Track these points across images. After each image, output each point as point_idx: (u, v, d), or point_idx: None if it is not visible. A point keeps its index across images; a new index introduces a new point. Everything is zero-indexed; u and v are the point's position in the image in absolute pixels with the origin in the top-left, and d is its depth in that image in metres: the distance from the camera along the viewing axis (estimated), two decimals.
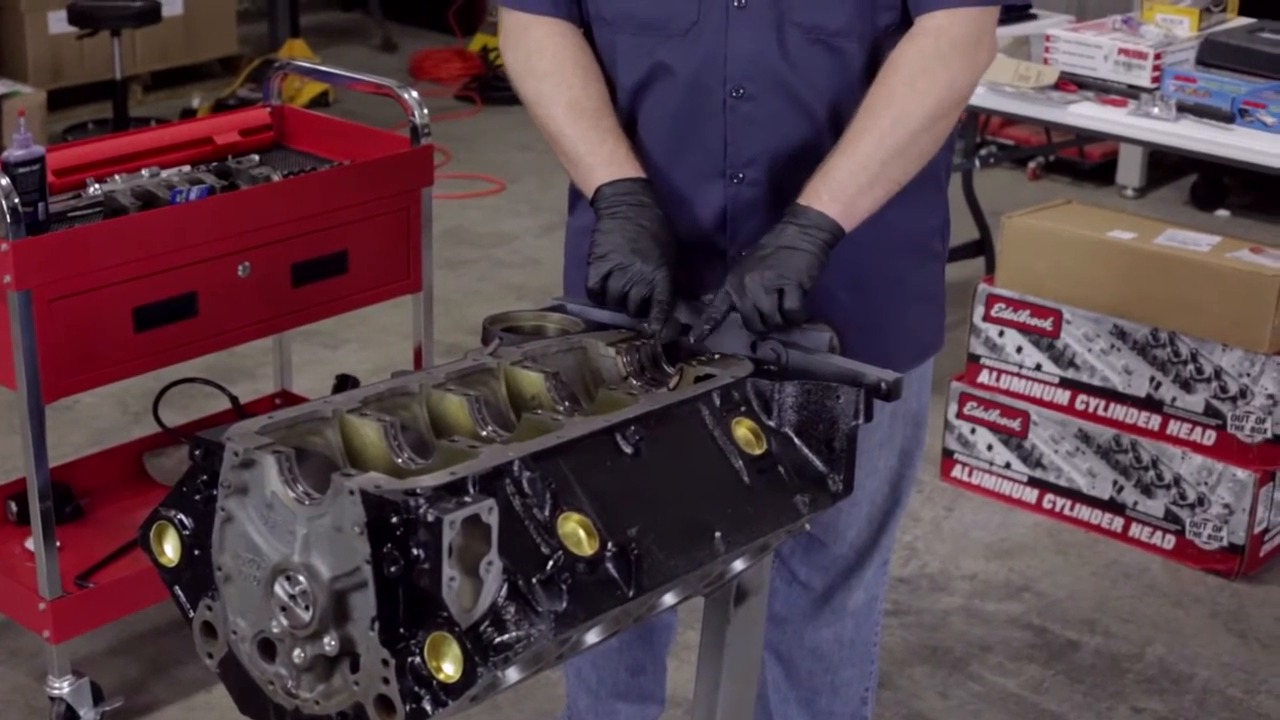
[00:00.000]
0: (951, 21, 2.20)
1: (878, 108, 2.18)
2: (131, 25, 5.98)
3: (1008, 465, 4.00)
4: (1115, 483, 3.83)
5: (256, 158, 3.28)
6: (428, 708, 1.55)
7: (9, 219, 2.66)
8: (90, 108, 6.93)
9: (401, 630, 1.54)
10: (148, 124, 5.67)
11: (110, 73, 6.00)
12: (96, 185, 3.01)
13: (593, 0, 2.30)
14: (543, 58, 2.32)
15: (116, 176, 3.07)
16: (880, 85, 2.19)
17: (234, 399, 3.61)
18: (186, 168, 3.17)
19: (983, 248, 5.11)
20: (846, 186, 2.16)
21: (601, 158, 2.25)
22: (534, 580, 1.59)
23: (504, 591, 1.55)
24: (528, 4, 2.33)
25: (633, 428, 1.79)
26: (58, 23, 6.57)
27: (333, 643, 1.58)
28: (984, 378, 4.01)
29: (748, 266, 2.12)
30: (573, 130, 2.27)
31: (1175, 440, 3.74)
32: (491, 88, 7.15)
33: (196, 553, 1.69)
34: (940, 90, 2.19)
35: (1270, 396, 3.60)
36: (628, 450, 1.78)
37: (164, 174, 3.10)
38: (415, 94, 3.28)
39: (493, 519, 1.52)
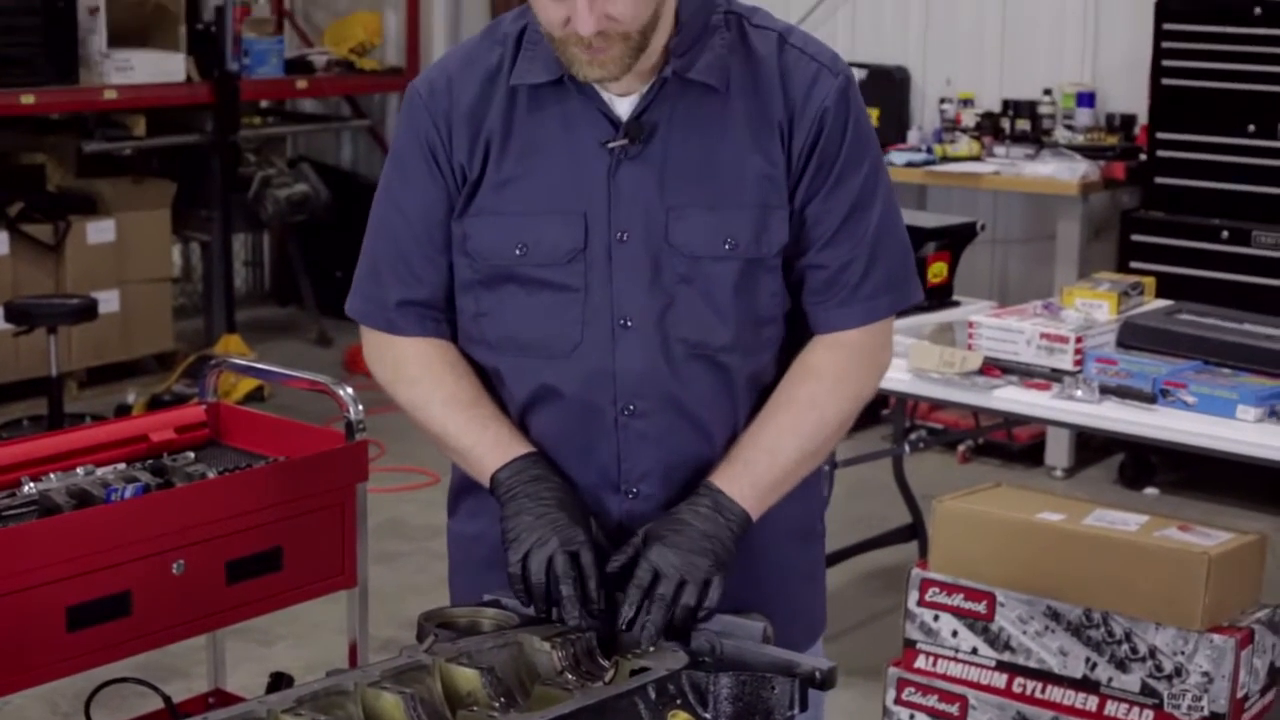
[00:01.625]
0: (860, 334, 2.30)
1: (801, 410, 2.25)
2: (68, 322, 6.03)
3: None
4: None
5: (192, 455, 3.28)
6: None
7: None
8: (25, 404, 6.93)
9: None
10: (83, 420, 5.68)
11: (46, 369, 6.02)
12: (31, 484, 3.01)
13: (474, 324, 2.33)
14: (410, 365, 2.35)
15: (51, 475, 3.07)
16: (800, 388, 2.27)
17: (167, 699, 3.55)
18: (122, 465, 3.18)
19: (915, 532, 5.15)
20: (763, 481, 2.23)
21: (487, 445, 2.28)
22: None
23: None
24: (393, 325, 2.36)
25: None
26: None
27: None
28: (921, 663, 4.01)
29: (673, 540, 2.15)
30: (454, 425, 2.30)
31: None
32: None
33: None
34: (854, 397, 2.30)
35: (1205, 674, 3.61)
36: None
37: (99, 472, 3.10)
38: (350, 390, 3.31)
39: None
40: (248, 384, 7.07)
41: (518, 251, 2.25)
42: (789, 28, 2.32)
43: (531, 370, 2.29)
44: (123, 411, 6.63)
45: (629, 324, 2.24)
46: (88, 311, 5.99)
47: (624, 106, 2.25)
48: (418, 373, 2.34)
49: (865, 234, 2.28)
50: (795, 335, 2.34)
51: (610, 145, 2.23)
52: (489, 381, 2.35)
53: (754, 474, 2.24)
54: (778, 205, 2.25)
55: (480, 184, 2.27)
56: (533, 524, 2.18)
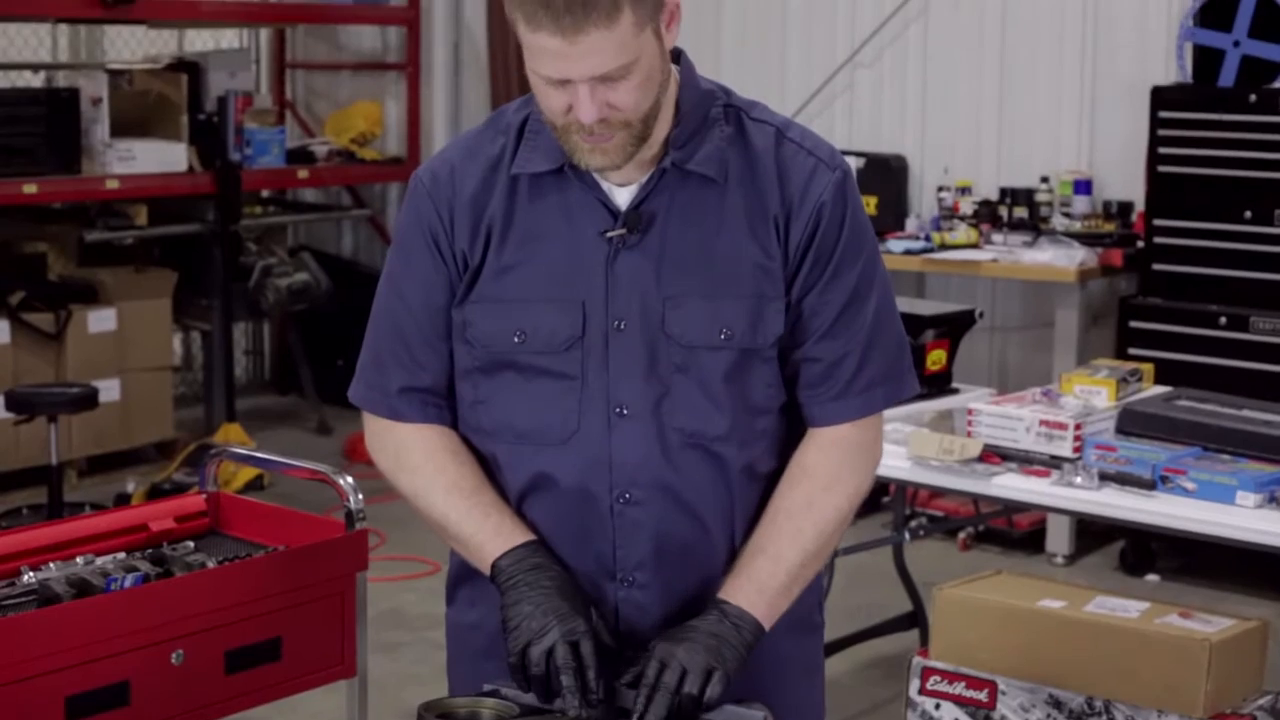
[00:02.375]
0: (854, 428, 2.33)
1: (798, 513, 2.28)
2: (69, 411, 6.03)
3: None
4: None
5: (191, 544, 3.28)
6: None
7: None
8: (25, 493, 6.93)
9: None
10: (82, 509, 5.68)
11: (46, 458, 6.02)
12: (31, 573, 3.01)
13: (471, 411, 2.34)
14: (412, 452, 2.36)
15: (51, 564, 3.07)
16: (796, 490, 2.30)
17: None
18: (122, 555, 3.17)
19: (916, 620, 5.13)
20: (769, 587, 2.25)
21: (488, 533, 2.29)
22: None
23: None
24: (396, 412, 2.38)
25: None
26: None
27: None
28: None
29: (680, 638, 2.16)
30: (455, 513, 2.31)
31: None
32: None
33: None
34: (851, 495, 2.32)
35: None
36: None
37: (99, 561, 3.10)
38: (350, 479, 3.31)
39: None
40: (247, 473, 7.06)
41: (516, 339, 2.27)
42: (787, 122, 2.35)
43: (528, 457, 2.30)
44: (122, 500, 6.62)
45: (625, 412, 2.25)
46: (88, 400, 5.99)
47: (623, 196, 2.27)
48: (420, 460, 2.35)
49: (861, 327, 2.31)
50: (792, 427, 2.36)
51: (609, 235, 2.25)
52: (487, 468, 2.36)
53: (758, 581, 2.26)
54: (773, 297, 2.27)
55: (481, 271, 2.29)
56: (533, 613, 2.19)
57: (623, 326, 2.25)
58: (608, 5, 2.08)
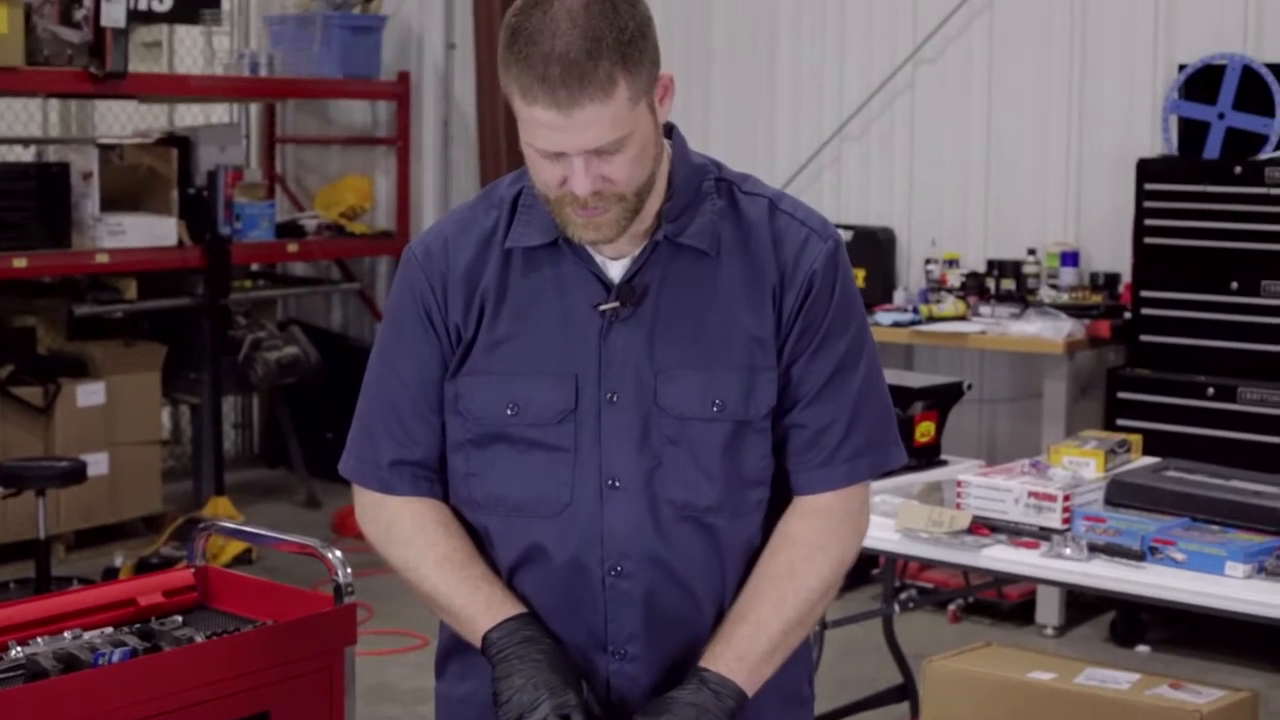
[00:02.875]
0: (839, 498, 2.32)
1: (780, 580, 2.28)
2: (57, 485, 6.03)
3: None
4: None
5: (180, 619, 3.27)
6: None
7: None
8: (12, 567, 6.90)
9: None
10: (70, 583, 5.66)
11: (34, 532, 6.01)
12: (18, 648, 2.99)
13: (463, 484, 2.35)
14: (403, 525, 2.36)
15: (39, 639, 3.06)
16: (778, 557, 2.30)
17: None
18: (109, 629, 3.16)
19: (906, 693, 5.12)
20: (751, 654, 2.24)
21: (479, 606, 2.28)
22: None
23: None
24: (386, 485, 2.38)
25: None
26: None
27: None
28: None
29: (660, 710, 2.16)
30: (446, 586, 2.31)
31: None
32: None
33: None
34: (834, 563, 2.31)
35: None
36: None
37: (86, 636, 3.09)
38: (338, 553, 3.30)
39: None
40: (236, 546, 7.04)
41: (509, 411, 2.27)
42: (779, 194, 2.37)
43: (520, 530, 2.30)
44: (110, 575, 6.60)
45: (617, 484, 2.26)
46: (77, 474, 5.99)
47: (616, 269, 2.29)
48: (410, 533, 2.35)
49: (848, 396, 2.32)
50: (784, 499, 2.36)
51: (602, 308, 2.26)
52: (478, 541, 2.36)
53: (739, 648, 2.25)
54: (766, 368, 2.28)
55: (474, 344, 2.30)
56: (524, 685, 2.18)
57: (615, 399, 2.26)
58: (603, 79, 2.11)
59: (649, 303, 2.27)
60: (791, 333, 2.30)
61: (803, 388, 2.30)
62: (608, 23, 2.12)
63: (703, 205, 2.31)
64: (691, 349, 2.27)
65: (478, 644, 2.27)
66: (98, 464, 7.10)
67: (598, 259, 2.29)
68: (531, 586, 2.31)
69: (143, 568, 6.65)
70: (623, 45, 2.12)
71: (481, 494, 2.32)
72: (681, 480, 2.27)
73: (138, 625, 3.22)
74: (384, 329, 2.41)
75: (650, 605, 2.28)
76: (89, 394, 7.34)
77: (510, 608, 2.28)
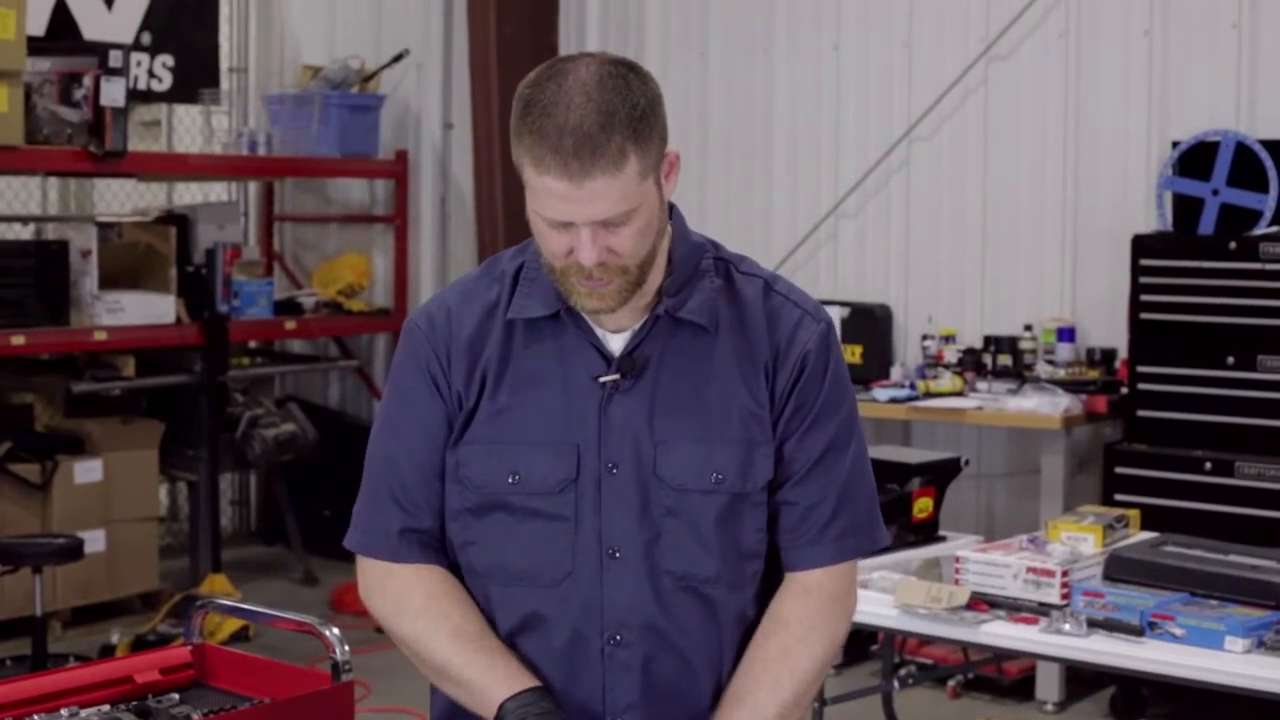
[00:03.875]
0: (828, 576, 2.36)
1: (774, 663, 2.30)
2: (53, 562, 6.02)
3: None
4: None
5: (176, 696, 3.26)
6: None
7: None
8: (8, 644, 6.88)
9: None
10: (67, 661, 5.64)
11: (30, 609, 5.99)
12: None
13: (462, 552, 2.36)
14: (414, 597, 2.37)
15: (35, 716, 3.04)
16: (771, 640, 2.32)
17: None
18: (106, 707, 3.15)
19: None
20: None
21: (497, 676, 2.29)
22: None
23: None
24: (396, 554, 2.38)
25: None
26: None
27: None
28: None
29: None
30: (460, 658, 2.31)
31: None
32: None
33: None
34: (826, 643, 2.35)
35: None
36: None
37: (83, 714, 3.07)
38: (336, 630, 3.28)
39: None
40: (233, 624, 7.02)
41: (510, 480, 2.29)
42: (774, 276, 2.42)
43: (520, 599, 2.31)
44: (107, 652, 6.57)
45: (618, 554, 2.27)
46: (73, 551, 5.97)
47: (616, 343, 2.32)
48: (422, 604, 2.36)
49: (838, 476, 2.36)
50: (775, 573, 2.39)
51: (603, 380, 2.28)
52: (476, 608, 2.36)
53: None
54: (762, 441, 2.32)
55: (475, 413, 2.32)
56: None
57: (615, 470, 2.28)
58: (614, 153, 2.16)
59: (649, 375, 2.31)
60: (785, 411, 2.34)
61: (794, 465, 2.35)
62: (620, 98, 2.17)
63: (701, 282, 2.35)
64: (691, 422, 2.30)
65: (490, 715, 2.27)
66: (95, 541, 7.08)
67: (598, 331, 2.32)
68: (530, 654, 2.32)
69: (139, 645, 6.62)
70: (634, 120, 2.18)
71: (481, 563, 2.33)
72: (681, 551, 2.29)
73: (134, 703, 3.21)
74: (388, 401, 2.43)
75: (648, 675, 2.30)
76: (86, 471, 7.34)
77: (526, 680, 2.29)
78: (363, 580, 2.44)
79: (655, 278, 2.31)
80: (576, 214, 2.18)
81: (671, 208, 2.37)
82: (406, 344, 2.41)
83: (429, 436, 2.36)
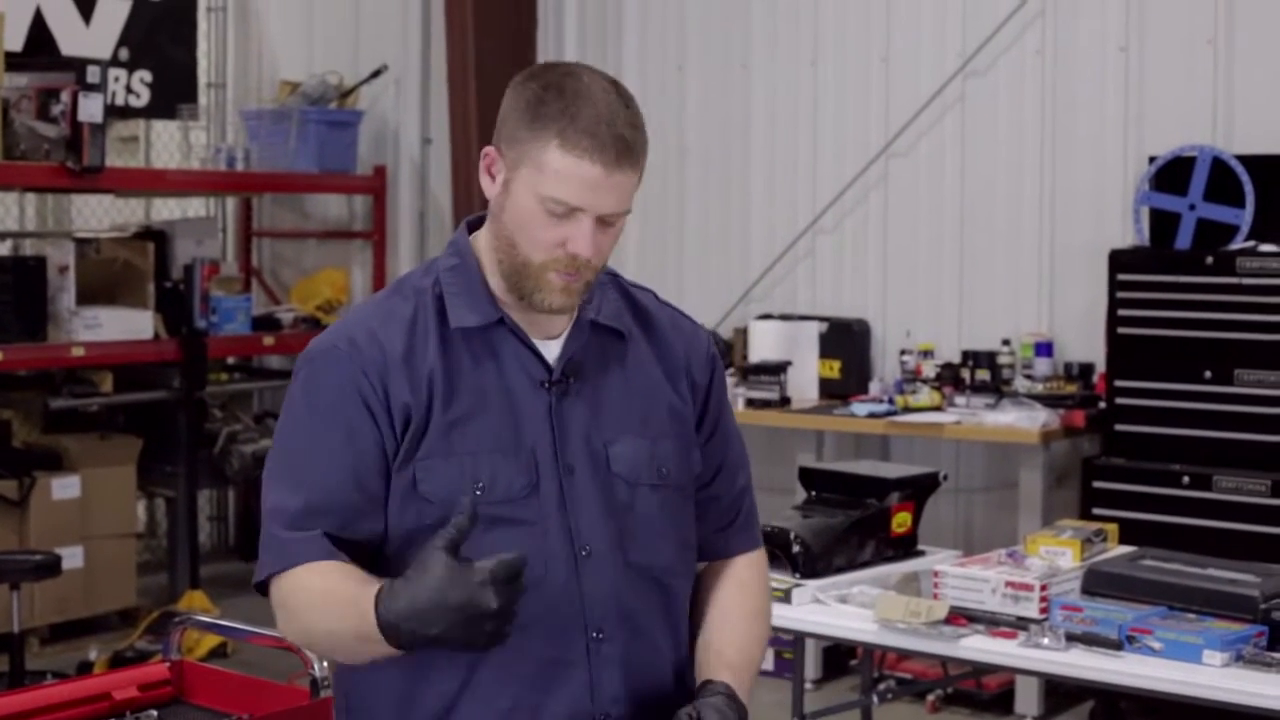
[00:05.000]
0: (760, 559, 2.57)
1: (763, 621, 2.52)
2: (31, 579, 5.99)
3: None
4: None
5: (155, 713, 3.26)
6: None
7: None
8: None
9: None
10: (44, 678, 5.62)
11: (8, 625, 5.97)
12: None
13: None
14: (310, 592, 2.29)
15: None
16: (756, 599, 2.52)
17: None
18: None
19: None
20: (746, 686, 2.39)
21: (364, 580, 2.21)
22: None
23: None
24: (294, 558, 2.31)
25: None
26: None
27: None
28: None
29: (706, 704, 2.30)
30: (334, 593, 2.24)
31: None
32: None
33: None
34: (770, 601, 2.60)
35: None
36: None
37: None
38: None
39: None
40: (211, 640, 7.00)
41: (477, 491, 2.27)
42: (653, 291, 2.56)
43: None
44: (85, 669, 6.55)
45: (588, 551, 2.33)
46: (51, 568, 5.95)
47: (548, 349, 2.38)
48: (317, 597, 2.29)
49: (745, 469, 2.56)
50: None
51: (548, 384, 2.35)
52: None
53: (740, 681, 2.40)
54: (690, 440, 2.46)
55: (427, 429, 2.30)
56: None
57: (574, 470, 2.34)
58: (639, 153, 2.28)
59: (588, 378, 2.38)
60: (707, 411, 2.49)
61: (715, 460, 2.50)
62: (633, 107, 2.30)
63: (607, 293, 2.45)
64: (631, 419, 2.39)
65: (373, 618, 2.16)
66: (72, 557, 7.06)
67: (533, 340, 2.38)
68: (516, 657, 2.30)
69: (118, 662, 6.60)
70: (645, 131, 2.30)
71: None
72: (642, 544, 2.37)
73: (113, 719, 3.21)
74: (293, 427, 2.34)
75: (628, 666, 2.35)
76: (64, 487, 7.32)
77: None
78: (276, 610, 2.39)
79: None
80: (596, 202, 2.25)
81: None
82: (326, 367, 2.32)
83: (355, 452, 2.29)
